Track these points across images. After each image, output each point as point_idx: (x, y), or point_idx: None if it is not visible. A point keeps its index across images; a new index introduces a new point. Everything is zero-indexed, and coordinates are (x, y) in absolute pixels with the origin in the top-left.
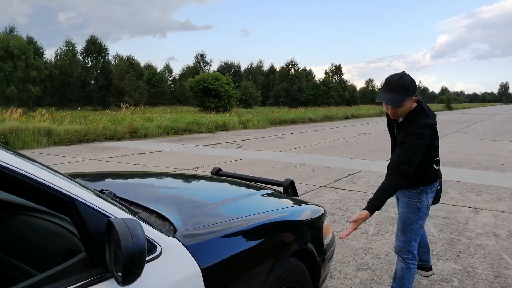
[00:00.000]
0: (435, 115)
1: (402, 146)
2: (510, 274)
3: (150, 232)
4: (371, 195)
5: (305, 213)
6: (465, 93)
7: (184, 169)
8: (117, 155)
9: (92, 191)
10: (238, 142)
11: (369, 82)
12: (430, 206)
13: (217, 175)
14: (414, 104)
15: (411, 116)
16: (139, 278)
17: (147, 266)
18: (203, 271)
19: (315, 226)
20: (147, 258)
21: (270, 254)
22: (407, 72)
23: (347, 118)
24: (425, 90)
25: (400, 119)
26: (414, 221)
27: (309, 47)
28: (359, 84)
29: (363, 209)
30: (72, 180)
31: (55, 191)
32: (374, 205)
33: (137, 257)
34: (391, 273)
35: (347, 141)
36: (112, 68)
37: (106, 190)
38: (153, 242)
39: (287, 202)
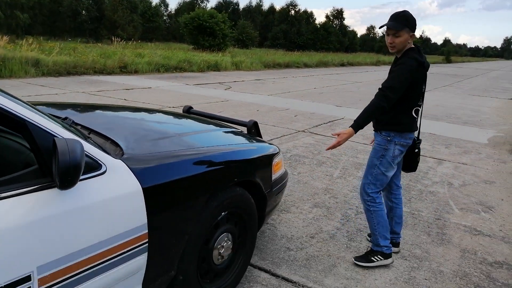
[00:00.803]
0: (429, 63)
1: (390, 74)
2: (450, 217)
3: (97, 153)
4: (346, 143)
5: (255, 149)
6: (468, 46)
7: (169, 107)
8: (105, 89)
9: (44, 116)
10: (228, 84)
11: (371, 29)
12: (397, 159)
13: (188, 113)
14: (411, 42)
15: (406, 52)
16: (86, 189)
17: (92, 180)
18: (144, 189)
19: (263, 162)
20: (93, 174)
21: (213, 182)
22: None
23: (342, 65)
24: (427, 40)
25: (398, 56)
26: (376, 166)
27: None
28: (361, 31)
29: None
30: (29, 105)
31: (9, 112)
32: (357, 122)
33: (72, 169)
34: (343, 212)
35: (337, 88)
36: None
37: (66, 118)
38: (99, 161)
39: (243, 139)
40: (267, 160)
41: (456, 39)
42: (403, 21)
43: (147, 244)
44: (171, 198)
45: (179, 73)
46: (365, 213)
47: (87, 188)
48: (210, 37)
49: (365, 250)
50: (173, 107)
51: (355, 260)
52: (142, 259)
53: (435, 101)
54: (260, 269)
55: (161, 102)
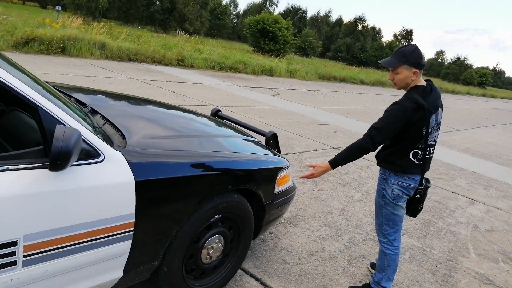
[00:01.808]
0: (437, 104)
1: (383, 114)
2: (463, 261)
3: (98, 143)
4: (376, 166)
5: (260, 161)
6: None
7: (213, 105)
8: (159, 79)
9: (57, 102)
10: (277, 90)
11: (440, 54)
12: (400, 199)
13: (215, 115)
14: (416, 79)
15: (409, 91)
16: (81, 173)
17: (88, 167)
18: (137, 182)
19: (267, 173)
20: (91, 161)
21: (207, 185)
22: (485, 49)
23: None
24: (500, 73)
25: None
26: (382, 206)
27: (384, 3)
28: (429, 54)
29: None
30: (47, 90)
31: (24, 97)
32: (335, 159)
33: (62, 156)
34: (352, 235)
35: None
36: None
37: (87, 106)
38: (98, 150)
39: (254, 149)
40: (271, 173)
41: None
42: (399, 57)
43: (132, 232)
44: (163, 194)
45: (232, 73)
46: (379, 252)
47: (82, 173)
48: (271, 41)
49: (362, 279)
50: (217, 105)
51: None
52: (126, 245)
53: (489, 138)
54: (251, 275)
55: (206, 99)
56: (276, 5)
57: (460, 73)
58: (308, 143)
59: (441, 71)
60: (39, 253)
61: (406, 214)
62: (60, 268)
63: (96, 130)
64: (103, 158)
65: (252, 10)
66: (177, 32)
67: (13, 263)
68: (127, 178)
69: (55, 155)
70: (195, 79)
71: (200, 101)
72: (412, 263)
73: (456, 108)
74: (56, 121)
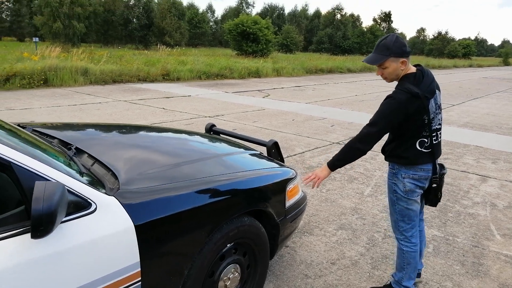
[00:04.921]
0: (432, 87)
1: (378, 108)
2: (489, 245)
3: (86, 191)
4: (380, 156)
5: (266, 176)
6: None
7: (206, 116)
8: (146, 97)
9: (35, 154)
10: (267, 91)
11: (421, 31)
12: (413, 193)
13: (210, 130)
14: (405, 68)
15: (400, 81)
16: (72, 230)
17: (79, 220)
18: (137, 227)
19: (276, 189)
20: (81, 214)
21: (215, 213)
22: (464, 20)
23: None
24: (482, 42)
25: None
26: (395, 202)
27: None
28: (410, 33)
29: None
30: (24, 140)
31: None
32: (333, 161)
33: (45, 218)
34: (370, 235)
35: (379, 95)
36: (154, 7)
37: (71, 147)
38: (88, 200)
39: (257, 164)
40: (280, 187)
41: None
42: (383, 51)
43: (140, 283)
44: (168, 233)
45: (219, 80)
46: (397, 249)
47: (73, 229)
48: (253, 43)
49: (385, 283)
50: (209, 116)
51: None
52: None
53: (485, 109)
54: None
55: (198, 111)
56: (253, 6)
57: (444, 47)
58: (308, 142)
59: (425, 48)
60: None
61: (426, 204)
62: None
63: (84, 175)
64: (94, 207)
65: (230, 14)
66: (158, 46)
67: None
68: (125, 224)
69: (36, 219)
70: (183, 92)
71: (191, 114)
72: (437, 256)
73: (446, 83)
74: (34, 176)
